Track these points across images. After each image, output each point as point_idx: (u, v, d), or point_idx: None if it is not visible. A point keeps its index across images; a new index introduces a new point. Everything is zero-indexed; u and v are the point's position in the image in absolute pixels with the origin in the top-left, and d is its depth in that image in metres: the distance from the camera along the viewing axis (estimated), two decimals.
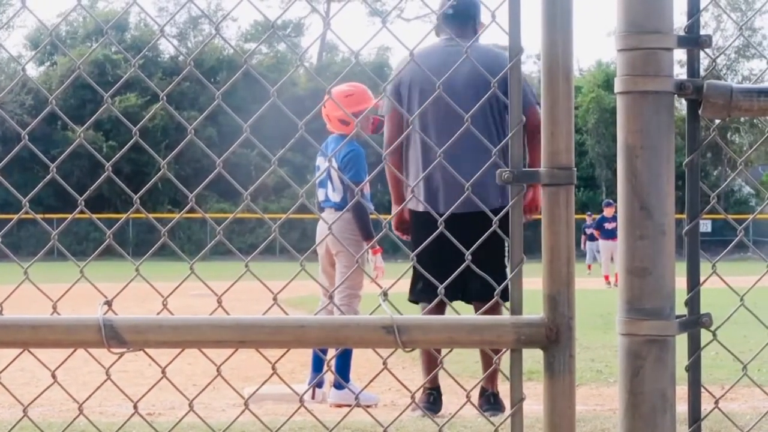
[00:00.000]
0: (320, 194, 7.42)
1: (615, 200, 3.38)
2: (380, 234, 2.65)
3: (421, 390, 6.40)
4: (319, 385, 7.33)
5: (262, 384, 2.90)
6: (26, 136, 2.52)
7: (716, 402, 2.87)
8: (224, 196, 47.90)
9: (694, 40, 2.38)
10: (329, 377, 7.28)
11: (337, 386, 7.20)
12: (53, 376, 2.59)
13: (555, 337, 2.28)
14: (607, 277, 25.81)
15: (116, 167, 2.51)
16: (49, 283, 3.30)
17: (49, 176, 2.55)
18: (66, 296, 2.57)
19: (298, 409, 2.72)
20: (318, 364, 7.27)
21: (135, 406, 2.60)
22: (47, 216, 39.30)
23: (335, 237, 6.74)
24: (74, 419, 2.81)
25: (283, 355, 2.69)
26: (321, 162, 7.56)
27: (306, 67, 31.67)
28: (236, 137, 2.51)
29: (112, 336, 2.29)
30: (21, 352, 2.46)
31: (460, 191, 6.01)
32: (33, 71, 53.87)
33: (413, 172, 6.31)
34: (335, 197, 7.30)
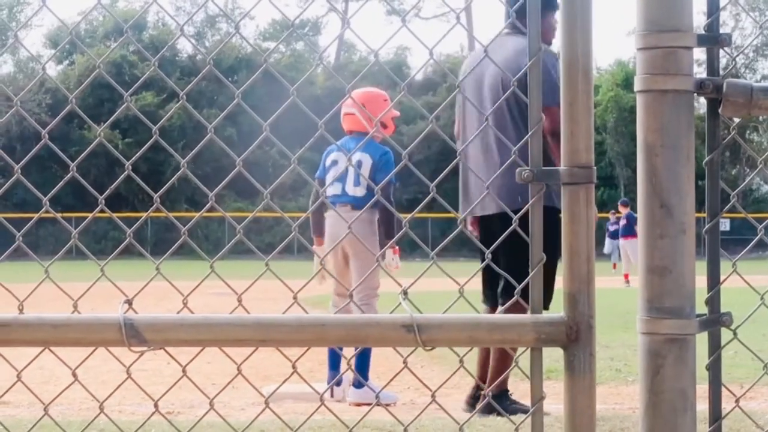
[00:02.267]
0: (335, 188, 7.35)
1: (632, 199, 3.35)
2: (401, 233, 2.64)
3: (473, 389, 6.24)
4: (338, 383, 7.33)
5: (282, 383, 2.90)
6: (46, 135, 2.53)
7: (737, 400, 2.86)
8: (241, 194, 47.96)
9: (713, 39, 2.38)
10: (347, 376, 7.28)
11: (357, 385, 7.20)
12: (74, 374, 2.60)
13: (575, 336, 2.28)
14: (626, 276, 25.69)
15: (133, 166, 2.52)
16: (68, 281, 3.31)
17: (69, 175, 2.56)
18: (84, 295, 2.58)
19: (319, 407, 2.72)
20: (334, 362, 7.28)
21: (156, 405, 2.61)
22: (65, 215, 39.43)
23: (355, 236, 6.75)
24: (95, 418, 2.82)
25: (302, 354, 2.70)
26: (338, 157, 7.45)
27: (325, 66, 31.67)
28: (254, 136, 2.51)
29: (133, 335, 2.30)
30: (42, 351, 2.46)
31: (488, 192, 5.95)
32: (51, 71, 54.02)
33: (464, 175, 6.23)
34: (357, 192, 7.27)
